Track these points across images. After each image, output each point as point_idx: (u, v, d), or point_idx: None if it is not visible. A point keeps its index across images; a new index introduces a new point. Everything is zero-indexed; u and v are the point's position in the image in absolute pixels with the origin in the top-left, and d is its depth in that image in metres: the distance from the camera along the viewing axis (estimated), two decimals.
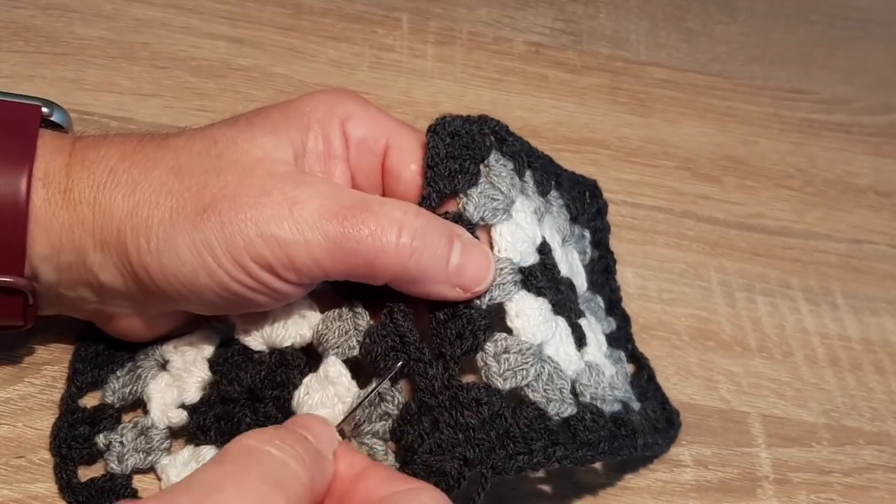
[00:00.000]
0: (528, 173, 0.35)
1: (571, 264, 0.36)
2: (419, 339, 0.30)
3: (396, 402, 0.30)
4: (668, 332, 0.42)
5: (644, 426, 0.34)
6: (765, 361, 0.42)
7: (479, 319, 0.31)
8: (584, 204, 0.39)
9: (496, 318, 0.32)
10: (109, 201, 0.30)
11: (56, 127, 0.33)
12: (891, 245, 0.48)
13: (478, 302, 0.31)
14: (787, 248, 0.47)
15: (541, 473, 0.35)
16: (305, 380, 0.32)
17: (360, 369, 0.32)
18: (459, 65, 0.51)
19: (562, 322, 0.33)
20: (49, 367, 0.34)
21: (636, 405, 0.35)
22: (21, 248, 0.29)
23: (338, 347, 0.31)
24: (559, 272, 0.34)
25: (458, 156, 0.32)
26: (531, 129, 0.49)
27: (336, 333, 0.32)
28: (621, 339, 0.38)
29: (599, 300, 0.38)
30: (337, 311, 0.32)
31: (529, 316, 0.31)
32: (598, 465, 0.36)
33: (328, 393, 0.31)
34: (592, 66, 0.53)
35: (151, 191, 0.30)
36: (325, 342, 0.32)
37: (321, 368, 0.31)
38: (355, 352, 0.31)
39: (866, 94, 0.57)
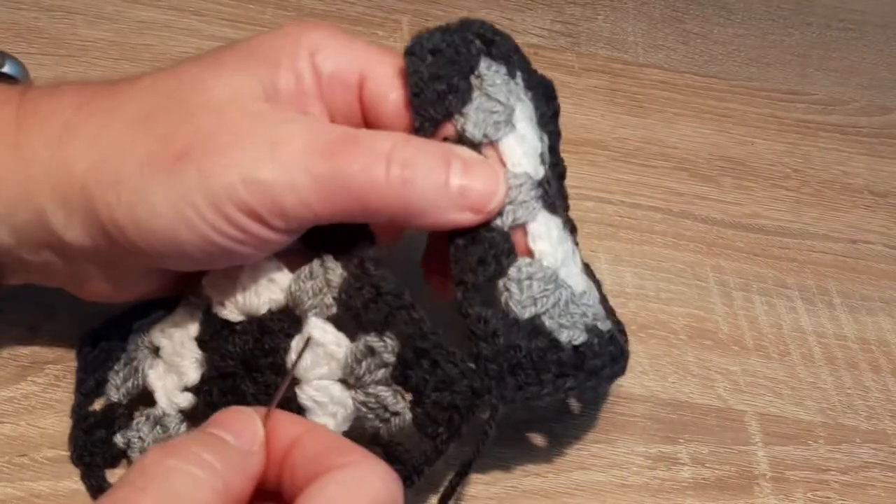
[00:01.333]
0: (518, 74, 0.32)
1: (554, 180, 0.34)
2: (395, 284, 0.29)
3: (390, 349, 0.29)
4: (665, 331, 0.42)
5: (623, 340, 0.33)
6: (762, 360, 0.42)
7: (501, 243, 0.29)
8: (545, 106, 0.36)
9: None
10: (67, 155, 0.27)
11: (10, 80, 0.30)
12: (887, 245, 0.49)
13: (500, 223, 0.29)
14: (783, 247, 0.47)
15: (538, 471, 0.35)
16: (293, 343, 0.30)
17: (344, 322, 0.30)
18: None
19: (570, 240, 0.31)
20: (52, 366, 0.34)
21: (611, 318, 0.33)
22: None
23: (315, 308, 0.30)
24: (554, 184, 0.32)
25: (443, 74, 0.30)
26: None
27: (310, 293, 0.30)
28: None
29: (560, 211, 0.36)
30: (307, 268, 0.30)
31: (551, 237, 0.29)
32: (594, 461, 0.36)
33: (318, 353, 0.30)
34: (590, 68, 0.54)
35: (115, 141, 0.27)
36: (301, 304, 0.30)
37: (304, 331, 0.30)
38: (334, 309, 0.30)
39: (862, 95, 0.57)
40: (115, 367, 0.33)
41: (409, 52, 0.30)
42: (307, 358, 0.30)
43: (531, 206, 0.29)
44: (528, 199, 0.29)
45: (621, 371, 0.32)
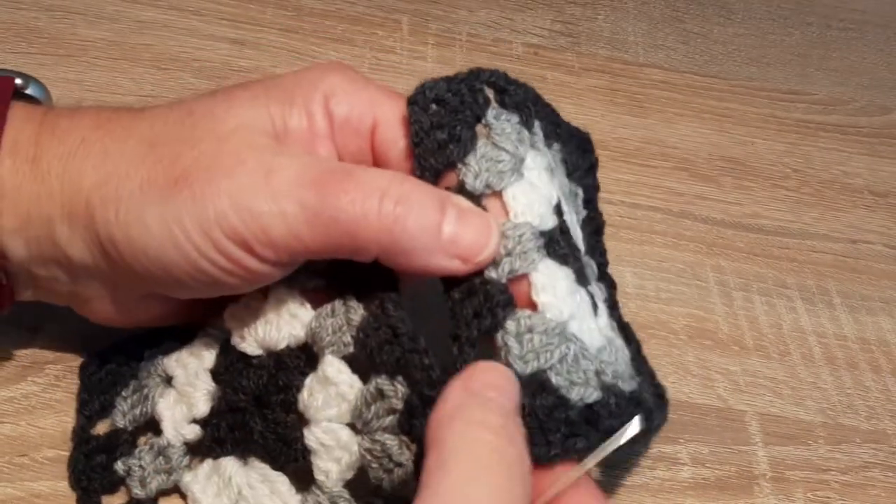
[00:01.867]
0: (536, 124, 0.31)
1: (574, 225, 0.33)
2: (412, 328, 0.28)
3: (400, 395, 0.28)
4: (665, 331, 0.42)
5: (652, 403, 0.31)
6: (762, 360, 0.42)
7: (498, 295, 0.27)
8: (579, 159, 0.36)
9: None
10: (79, 171, 0.28)
11: (33, 101, 0.31)
12: (886, 245, 0.49)
13: (496, 274, 0.28)
14: (783, 247, 0.47)
15: None
16: (307, 381, 0.30)
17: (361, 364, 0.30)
18: (459, 66, 0.51)
19: (583, 293, 0.29)
20: (52, 367, 0.34)
21: (637, 380, 0.31)
22: None
23: (333, 345, 0.30)
24: (572, 237, 0.31)
25: (445, 124, 0.29)
26: None
27: (329, 331, 0.30)
28: (611, 306, 0.35)
29: (594, 265, 0.35)
30: (329, 306, 0.30)
31: (556, 289, 0.28)
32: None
33: (330, 392, 0.29)
34: (591, 68, 0.54)
35: (123, 161, 0.28)
36: (319, 340, 0.30)
37: (319, 368, 0.30)
38: (351, 348, 0.29)
39: (862, 94, 0.57)
40: (124, 393, 0.33)
41: (412, 102, 0.30)
42: (319, 397, 0.29)
43: (531, 257, 0.28)
44: (528, 249, 0.28)
45: (650, 431, 0.30)
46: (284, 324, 0.31)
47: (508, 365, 0.27)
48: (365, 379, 0.29)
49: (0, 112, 0.28)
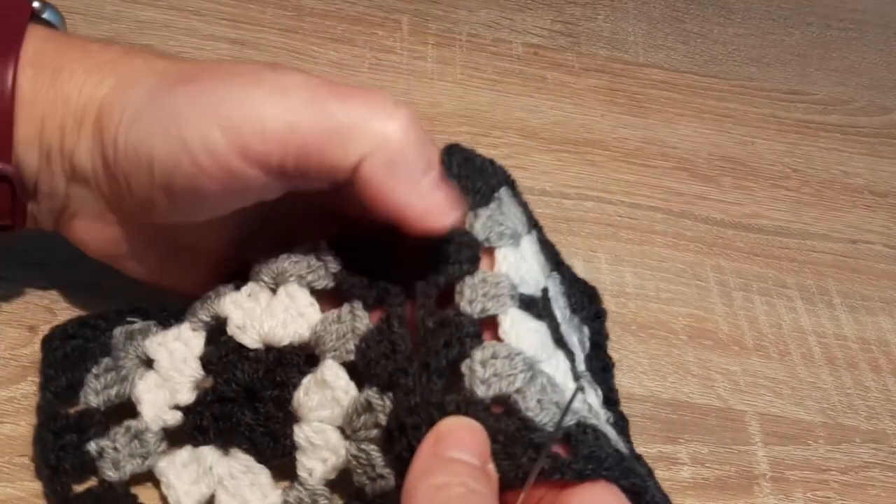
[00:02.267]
0: (534, 233, 0.34)
1: (569, 336, 0.34)
2: (410, 349, 0.29)
3: (387, 410, 0.28)
4: (665, 331, 0.42)
5: (646, 475, 0.30)
6: (762, 360, 0.42)
7: (468, 326, 0.29)
8: (584, 304, 0.38)
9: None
10: (99, 82, 0.28)
11: (48, 25, 0.32)
12: (886, 245, 0.49)
13: (469, 310, 0.29)
14: (783, 247, 0.47)
15: None
16: (304, 381, 0.30)
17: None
18: (459, 66, 0.52)
19: (561, 354, 0.30)
20: None
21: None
22: (8, 131, 0.28)
23: (335, 351, 0.30)
24: (559, 325, 0.32)
25: (470, 176, 0.31)
26: (530, 130, 0.49)
27: (333, 336, 0.30)
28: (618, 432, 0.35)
29: (598, 389, 0.35)
30: (336, 312, 0.31)
31: (523, 333, 0.29)
32: None
33: (326, 396, 0.30)
34: (591, 68, 0.54)
35: (143, 75, 0.28)
36: (322, 344, 0.30)
37: (318, 371, 0.30)
38: (352, 356, 0.30)
39: (862, 94, 0.57)
40: (95, 371, 0.32)
41: (447, 151, 0.32)
42: (314, 397, 0.30)
43: (502, 301, 0.29)
44: (501, 293, 0.29)
45: (644, 488, 0.27)
46: (291, 321, 0.31)
47: (472, 391, 0.28)
48: (361, 388, 0.30)
49: (18, 29, 0.29)
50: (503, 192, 0.33)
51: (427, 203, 0.28)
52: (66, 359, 0.33)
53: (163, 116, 0.27)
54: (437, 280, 0.30)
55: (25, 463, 0.32)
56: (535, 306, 0.31)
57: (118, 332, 0.34)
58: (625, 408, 0.38)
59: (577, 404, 0.28)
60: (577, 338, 0.36)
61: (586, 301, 0.39)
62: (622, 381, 0.39)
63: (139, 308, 0.34)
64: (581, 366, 0.34)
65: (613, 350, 0.40)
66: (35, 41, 0.29)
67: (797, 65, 0.58)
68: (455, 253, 0.30)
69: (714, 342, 0.42)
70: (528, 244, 0.33)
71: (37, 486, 0.31)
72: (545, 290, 0.32)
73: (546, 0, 0.57)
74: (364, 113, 0.27)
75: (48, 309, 0.35)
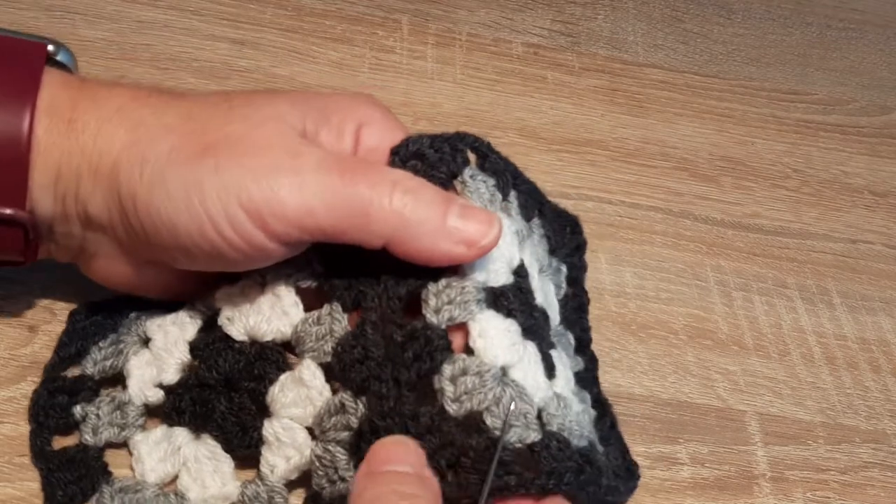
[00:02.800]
0: (512, 193, 0.34)
1: (547, 294, 0.35)
2: (382, 355, 0.29)
3: (359, 414, 0.29)
4: (665, 331, 0.42)
5: (608, 468, 0.31)
6: (761, 360, 0.42)
7: (436, 340, 0.29)
8: (565, 238, 0.38)
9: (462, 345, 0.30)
10: (112, 134, 0.29)
11: (61, 67, 0.32)
12: (886, 244, 0.49)
13: (436, 321, 0.29)
14: (783, 247, 0.47)
15: None
16: (282, 377, 0.31)
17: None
18: (459, 66, 0.52)
19: (531, 347, 0.31)
20: None
21: (600, 448, 0.32)
22: (23, 178, 0.29)
23: (314, 351, 0.31)
24: (534, 298, 0.32)
25: (423, 172, 0.31)
26: (530, 130, 0.49)
27: (313, 337, 0.31)
28: (587, 380, 0.37)
29: (570, 337, 0.37)
30: (317, 313, 0.31)
31: (494, 337, 0.29)
32: None
33: (301, 394, 0.31)
34: (590, 68, 0.54)
35: (157, 129, 0.29)
36: (302, 344, 0.31)
37: (297, 369, 0.31)
38: (329, 358, 0.31)
39: (862, 94, 0.57)
40: (101, 343, 0.34)
41: (394, 153, 0.32)
42: (289, 394, 0.31)
43: (469, 308, 0.29)
44: (467, 300, 0.30)
45: (598, 485, 0.29)
46: (276, 318, 0.32)
47: (444, 406, 0.28)
48: (335, 390, 0.30)
49: (36, 75, 0.30)
50: (466, 174, 0.32)
51: (465, 236, 0.29)
52: (82, 330, 0.34)
53: (186, 186, 0.28)
54: (398, 291, 0.30)
55: (25, 463, 0.32)
56: (506, 299, 0.30)
57: (134, 314, 0.35)
58: (624, 408, 0.38)
59: (559, 393, 0.30)
60: (553, 287, 0.36)
61: (568, 233, 0.38)
62: (622, 381, 0.39)
63: (164, 303, 0.35)
64: (556, 320, 0.35)
65: (613, 350, 0.40)
66: (51, 87, 0.30)
67: (797, 65, 0.58)
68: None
69: (714, 342, 0.42)
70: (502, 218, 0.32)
71: (37, 486, 0.31)
72: (521, 265, 0.32)
73: (546, 0, 0.57)
74: (374, 197, 0.29)
75: (48, 309, 0.35)
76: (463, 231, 0.29)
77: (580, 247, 0.39)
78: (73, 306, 0.35)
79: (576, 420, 0.30)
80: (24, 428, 0.32)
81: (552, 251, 0.37)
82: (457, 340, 0.30)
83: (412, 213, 0.29)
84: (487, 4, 0.56)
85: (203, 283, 0.34)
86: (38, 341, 0.35)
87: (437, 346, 0.29)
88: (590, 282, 0.41)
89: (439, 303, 0.30)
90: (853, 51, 0.60)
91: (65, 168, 0.30)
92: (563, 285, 0.38)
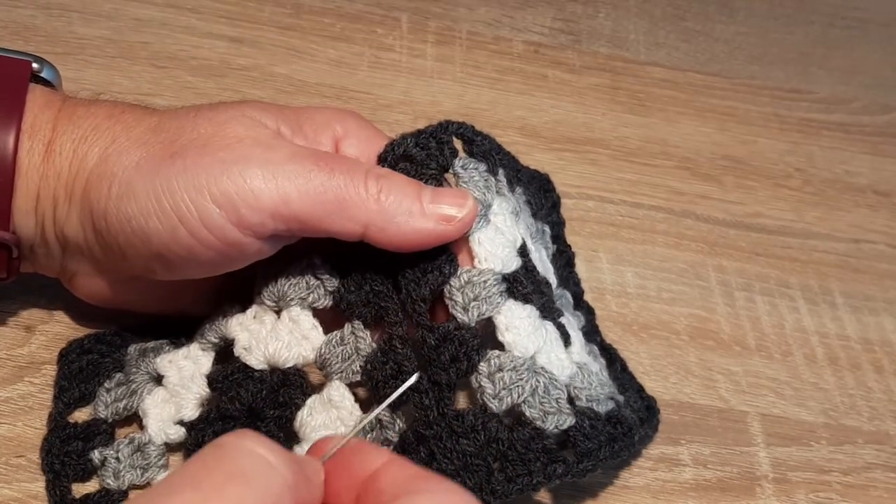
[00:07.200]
0: (500, 171, 0.34)
1: (543, 262, 0.35)
2: (417, 367, 0.30)
3: (397, 428, 0.30)
4: (667, 331, 0.42)
5: (634, 420, 0.33)
6: (764, 361, 0.42)
7: (471, 340, 0.30)
8: (542, 199, 0.38)
9: (487, 333, 0.31)
10: (86, 154, 0.29)
11: (46, 83, 0.32)
12: (889, 244, 0.49)
13: (466, 319, 0.30)
14: (785, 247, 0.47)
15: None
16: (309, 401, 0.31)
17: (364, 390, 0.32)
18: (459, 64, 0.51)
19: (550, 326, 0.32)
20: (49, 367, 0.34)
21: (621, 398, 0.34)
22: (7, 201, 0.29)
23: (341, 372, 0.31)
24: (538, 273, 0.33)
25: (414, 177, 0.31)
26: (531, 129, 0.49)
27: (339, 358, 0.31)
28: (590, 332, 0.38)
29: (568, 295, 0.38)
30: (339, 333, 0.31)
31: (519, 328, 0.30)
32: None
33: (331, 416, 0.31)
34: (592, 66, 0.53)
35: (126, 144, 0.29)
36: (328, 366, 0.31)
37: (325, 391, 0.31)
38: (358, 377, 0.31)
39: (865, 93, 0.57)
40: (107, 384, 0.33)
41: (381, 160, 0.32)
42: (318, 417, 0.31)
43: (494, 301, 0.30)
44: (491, 294, 0.30)
45: (632, 445, 0.32)
46: (296, 344, 0.32)
47: (484, 404, 0.29)
48: (365, 408, 0.31)
49: (20, 96, 0.30)
50: (457, 165, 0.32)
51: (441, 212, 0.30)
52: (80, 372, 0.33)
53: (155, 191, 0.28)
54: (421, 293, 0.30)
55: (22, 464, 0.31)
56: (521, 285, 0.31)
57: (132, 349, 0.34)
58: None
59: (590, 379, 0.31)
60: (544, 250, 0.37)
61: (542, 193, 0.39)
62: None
63: (153, 324, 0.35)
64: (554, 282, 0.35)
65: (615, 350, 0.40)
66: (34, 107, 0.30)
67: (799, 63, 0.58)
68: (430, 258, 0.31)
69: (716, 342, 0.42)
70: (498, 204, 0.32)
71: (33, 486, 0.31)
72: (523, 244, 0.32)
73: None
74: (349, 184, 0.29)
75: (45, 309, 0.35)
76: (438, 210, 0.30)
77: (555, 204, 0.39)
78: (70, 307, 0.35)
79: (598, 382, 0.32)
80: (21, 429, 0.32)
81: (534, 214, 0.37)
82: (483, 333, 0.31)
83: (387, 196, 0.29)
84: (487, 2, 0.55)
85: (188, 294, 0.33)
86: (35, 341, 0.35)
87: (472, 345, 0.30)
88: (591, 282, 0.41)
89: (466, 299, 0.30)
90: (856, 49, 0.60)
91: (43, 192, 0.30)
92: (550, 245, 0.38)
